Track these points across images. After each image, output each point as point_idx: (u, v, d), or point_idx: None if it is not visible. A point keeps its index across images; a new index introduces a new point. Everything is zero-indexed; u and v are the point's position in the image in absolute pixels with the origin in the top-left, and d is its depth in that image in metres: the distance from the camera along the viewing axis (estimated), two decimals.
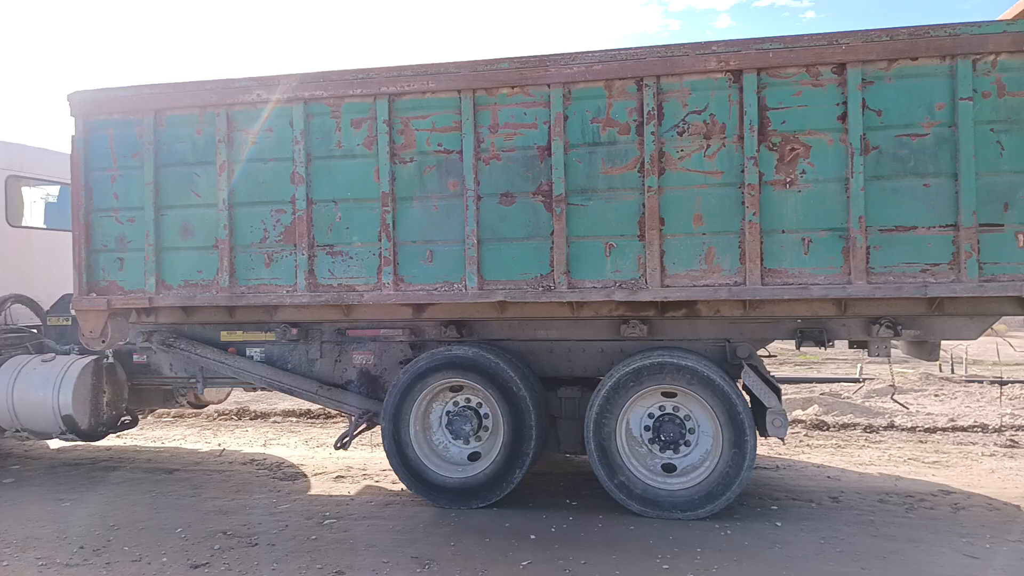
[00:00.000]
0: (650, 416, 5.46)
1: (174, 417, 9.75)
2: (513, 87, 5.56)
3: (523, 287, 5.51)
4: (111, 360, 6.79)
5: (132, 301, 6.19)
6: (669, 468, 5.42)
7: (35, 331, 7.29)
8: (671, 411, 5.42)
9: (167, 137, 6.12)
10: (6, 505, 6.00)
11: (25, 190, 7.67)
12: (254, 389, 7.54)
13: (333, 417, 9.37)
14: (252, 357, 6.56)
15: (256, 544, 4.82)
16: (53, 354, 6.74)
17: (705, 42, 5.26)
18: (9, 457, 7.84)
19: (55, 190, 8.02)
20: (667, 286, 5.28)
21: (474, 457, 5.69)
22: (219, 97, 5.99)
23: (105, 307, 6.19)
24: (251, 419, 9.74)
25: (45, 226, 7.94)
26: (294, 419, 9.66)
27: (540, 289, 5.46)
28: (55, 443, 8.07)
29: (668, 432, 5.35)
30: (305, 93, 5.82)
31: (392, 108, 5.71)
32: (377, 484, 6.36)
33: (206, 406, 8.47)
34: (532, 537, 4.84)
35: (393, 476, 6.08)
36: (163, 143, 6.12)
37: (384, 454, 5.78)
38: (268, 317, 6.25)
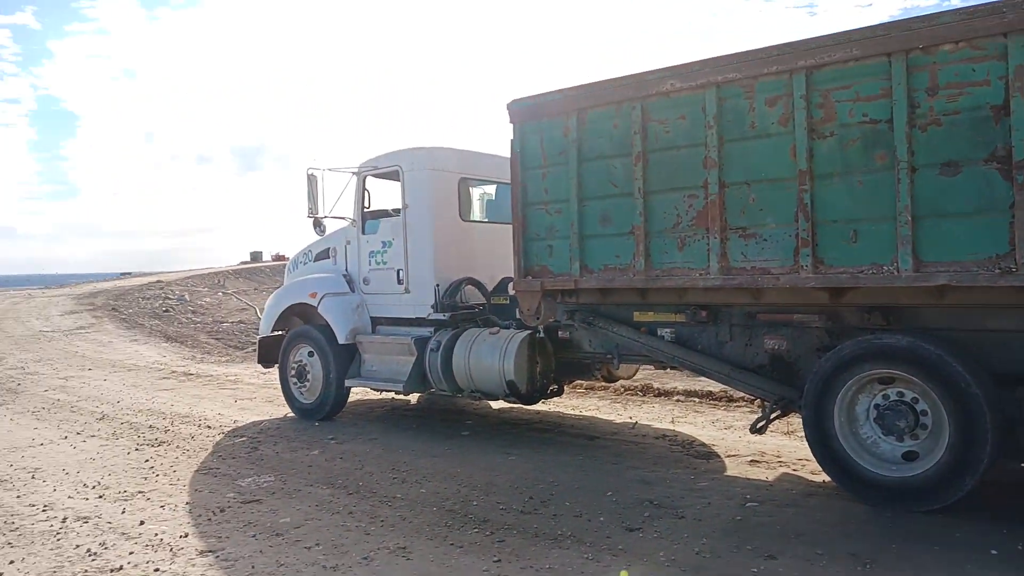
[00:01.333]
0: None
1: (586, 388, 10.67)
2: (957, 42, 4.87)
3: (972, 269, 4.83)
4: (542, 335, 7.69)
5: (560, 283, 6.93)
6: None
7: (481, 308, 8.59)
8: None
9: (588, 133, 6.68)
10: (468, 454, 7.23)
11: (472, 189, 9.06)
12: (663, 367, 7.86)
13: (736, 400, 9.34)
14: (663, 337, 6.85)
15: (683, 517, 5.07)
16: (497, 328, 7.88)
17: None
18: (463, 413, 9.41)
19: (492, 188, 9.32)
20: None
21: (910, 456, 5.18)
22: (634, 91, 6.34)
23: (538, 288, 7.04)
24: (655, 396, 10.20)
25: (486, 219, 9.27)
26: (696, 399, 9.85)
27: (996, 271, 4.73)
28: (496, 404, 9.43)
29: None
30: (717, 77, 5.84)
31: (810, 82, 5.43)
32: (795, 472, 6.18)
33: (616, 380, 9.14)
34: (993, 552, 4.26)
35: (812, 466, 5.86)
36: (584, 139, 6.70)
37: (800, 443, 5.60)
38: (678, 299, 6.46)
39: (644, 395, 10.32)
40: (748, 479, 6.05)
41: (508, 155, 7.25)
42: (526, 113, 7.07)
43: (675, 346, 6.73)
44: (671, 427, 8.28)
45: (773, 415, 6.02)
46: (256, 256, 61.95)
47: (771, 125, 5.64)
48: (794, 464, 6.40)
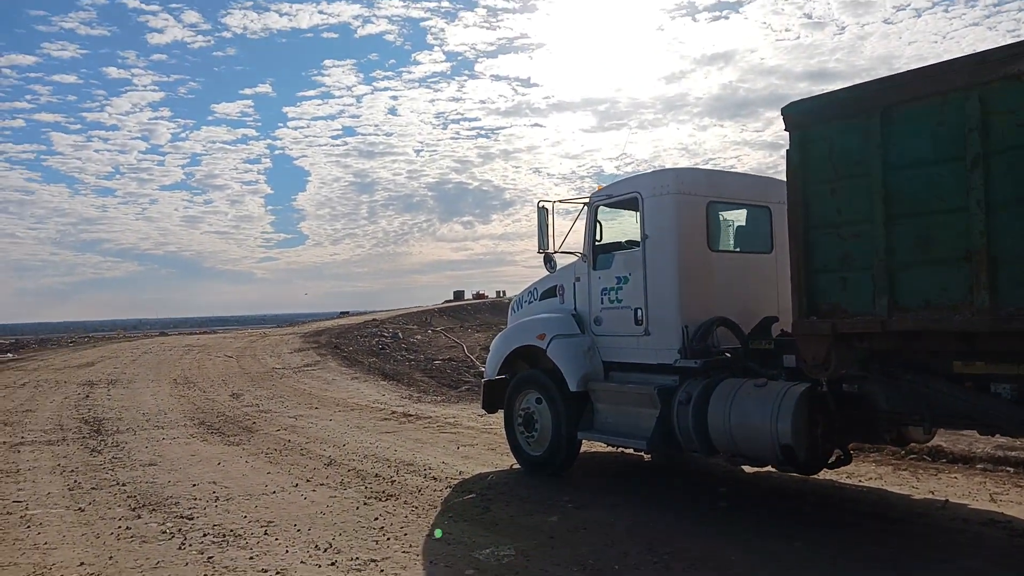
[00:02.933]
0: None
1: (852, 448, 8.91)
2: None
3: None
4: (824, 388, 6.26)
5: (860, 325, 5.50)
6: None
7: (736, 354, 7.30)
8: None
9: (898, 135, 5.27)
10: (736, 532, 5.95)
11: (721, 215, 7.86)
12: (990, 433, 6.12)
13: None
14: (1000, 394, 5.22)
15: None
16: (764, 379, 6.55)
17: None
18: (710, 475, 8.10)
19: (740, 213, 8.06)
20: None
21: None
22: (968, 76, 4.88)
23: (829, 332, 5.65)
24: (949, 462, 8.24)
25: (736, 249, 8.01)
26: (1010, 469, 7.81)
27: None
28: (749, 467, 8.04)
29: None
30: None
31: None
32: None
33: (908, 443, 7.42)
34: None
35: None
36: (893, 143, 5.29)
37: None
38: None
39: (934, 460, 8.39)
40: None
41: (759, 175, 6.01)
42: (809, 117, 5.80)
43: (1021, 408, 5.07)
44: (994, 507, 6.45)
45: None
46: (459, 295, 64.41)
47: None
48: None
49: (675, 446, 7.15)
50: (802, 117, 5.84)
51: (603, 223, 8.27)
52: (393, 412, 13.74)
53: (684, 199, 7.34)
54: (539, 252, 8.19)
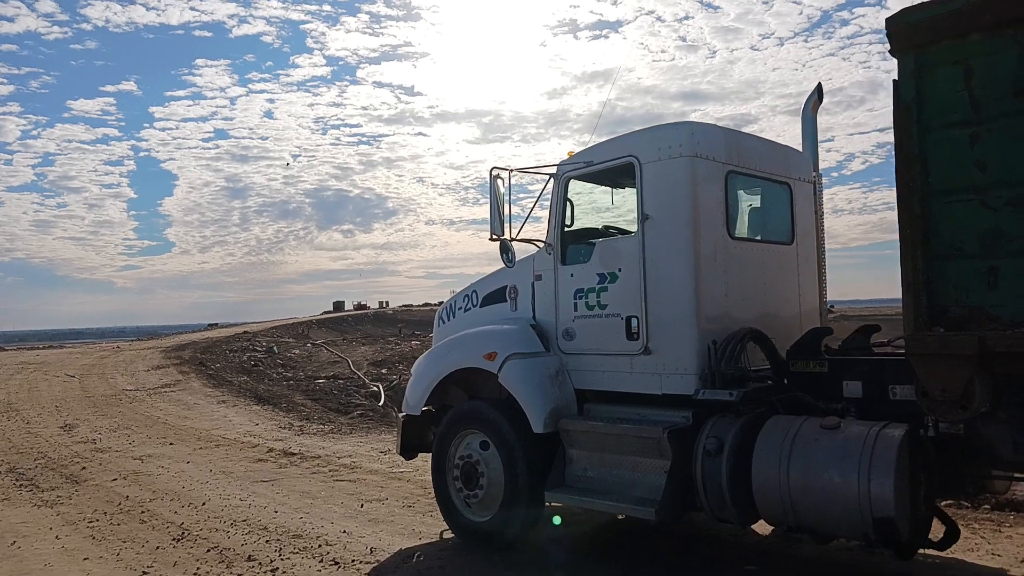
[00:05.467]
0: None
1: None
2: None
3: None
4: (931, 432, 4.37)
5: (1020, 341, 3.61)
6: None
7: (773, 378, 5.34)
8: None
9: None
10: None
11: (738, 192, 5.89)
12: None
13: None
14: None
15: None
16: (836, 418, 4.57)
17: None
18: (718, 541, 6.07)
19: (756, 191, 6.15)
20: None
21: None
22: None
23: (974, 351, 3.72)
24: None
25: (756, 237, 6.09)
26: None
27: None
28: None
29: None
30: None
31: None
32: None
33: (983, 494, 5.66)
34: None
35: None
36: None
37: None
38: None
39: (1018, 511, 6.59)
40: None
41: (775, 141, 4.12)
42: (932, 29, 3.89)
43: None
44: None
45: None
46: (339, 306, 61.61)
47: None
48: None
49: (694, 510, 5.09)
50: (921, 31, 3.92)
51: (574, 202, 6.13)
52: (270, 450, 10.95)
53: (701, 166, 5.31)
54: (492, 239, 5.91)
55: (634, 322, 5.41)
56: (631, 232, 5.60)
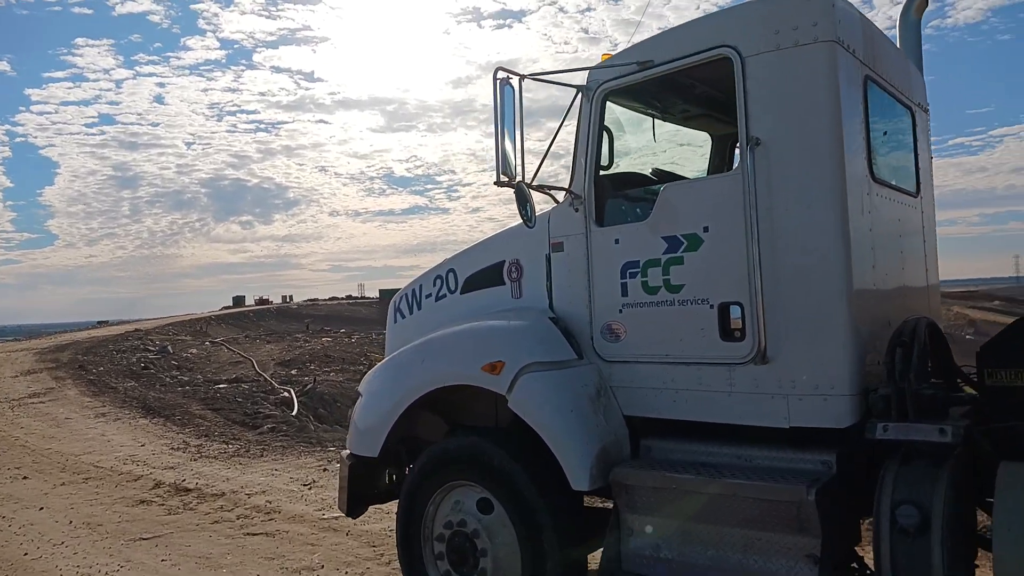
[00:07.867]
0: None
1: None
2: None
3: None
4: None
5: None
6: None
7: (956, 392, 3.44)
8: None
9: None
10: None
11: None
12: None
13: None
14: None
15: None
16: None
17: None
18: None
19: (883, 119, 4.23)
20: None
21: None
22: None
23: None
24: None
25: (893, 182, 4.15)
26: None
27: None
28: None
29: None
30: None
31: None
32: None
33: None
34: None
35: None
36: None
37: None
38: None
39: None
40: None
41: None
42: None
43: None
44: None
45: None
46: (239, 301, 58.60)
47: None
48: None
49: None
50: None
51: (615, 133, 4.07)
52: (157, 483, 8.41)
53: (844, 59, 3.33)
54: (498, 183, 3.71)
55: (735, 312, 3.40)
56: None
